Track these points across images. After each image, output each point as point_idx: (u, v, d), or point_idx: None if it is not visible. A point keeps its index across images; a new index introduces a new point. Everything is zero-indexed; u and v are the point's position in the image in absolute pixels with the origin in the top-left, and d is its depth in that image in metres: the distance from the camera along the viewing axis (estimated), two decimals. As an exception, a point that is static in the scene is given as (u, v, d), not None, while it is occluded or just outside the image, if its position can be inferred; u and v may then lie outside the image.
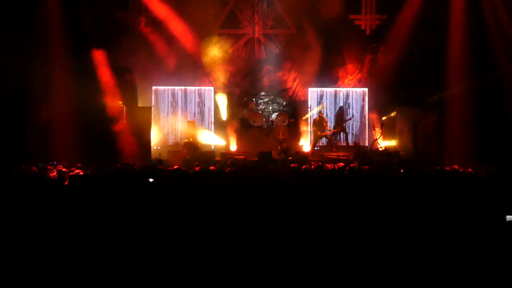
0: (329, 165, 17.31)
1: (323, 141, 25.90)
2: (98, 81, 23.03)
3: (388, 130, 25.46)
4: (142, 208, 9.77)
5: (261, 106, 26.43)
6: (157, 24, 26.23)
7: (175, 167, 15.44)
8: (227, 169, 15.50)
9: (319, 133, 24.76)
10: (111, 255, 7.64)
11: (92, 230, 8.50)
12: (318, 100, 26.97)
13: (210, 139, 25.70)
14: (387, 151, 23.88)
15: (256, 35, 27.34)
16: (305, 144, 25.56)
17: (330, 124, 26.36)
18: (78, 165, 16.38)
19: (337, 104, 26.93)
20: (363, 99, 27.04)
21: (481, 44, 24.10)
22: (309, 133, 25.93)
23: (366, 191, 11.31)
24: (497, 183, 12.77)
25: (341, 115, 26.62)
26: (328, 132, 24.94)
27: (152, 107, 25.89)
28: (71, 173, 13.99)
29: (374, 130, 25.26)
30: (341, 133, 26.41)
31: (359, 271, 7.32)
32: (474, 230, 8.29)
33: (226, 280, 7.21)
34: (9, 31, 21.44)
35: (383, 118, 25.83)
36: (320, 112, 25.57)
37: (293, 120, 26.19)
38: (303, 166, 15.61)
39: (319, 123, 25.02)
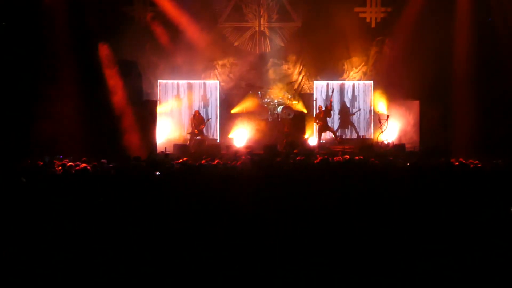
0: (336, 158, 17.29)
1: (328, 134, 25.86)
2: (104, 75, 23.02)
3: (394, 122, 25.45)
4: (148, 201, 9.76)
5: (266, 100, 26.38)
6: (162, 18, 26.20)
7: (180, 160, 15.45)
8: (233, 162, 15.50)
9: (319, 123, 24.89)
10: (117, 249, 7.63)
11: (98, 224, 8.49)
12: (325, 93, 26.91)
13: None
14: (393, 144, 23.87)
15: (261, 28, 27.32)
16: (311, 137, 25.51)
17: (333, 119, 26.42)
18: (83, 159, 16.38)
19: (342, 97, 26.87)
20: (369, 92, 26.98)
21: (486, 36, 24.05)
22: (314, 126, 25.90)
23: (373, 183, 11.30)
24: (504, 175, 12.75)
25: (344, 111, 26.58)
26: (318, 123, 25.02)
27: (158, 101, 25.88)
28: (77, 168, 14.02)
29: (380, 122, 25.22)
30: (349, 127, 26.39)
31: (365, 266, 7.29)
32: (480, 222, 8.26)
33: (231, 275, 7.19)
34: (14, 26, 21.48)
35: (388, 111, 25.79)
36: (319, 106, 25.57)
37: (298, 113, 26.14)
38: (318, 160, 15.62)
39: (318, 115, 25.15)
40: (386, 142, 24.37)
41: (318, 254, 7.45)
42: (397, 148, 22.90)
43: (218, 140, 26.17)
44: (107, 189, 10.97)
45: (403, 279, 7.09)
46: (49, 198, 9.92)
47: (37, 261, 7.25)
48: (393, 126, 25.47)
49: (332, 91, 26.11)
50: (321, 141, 25.15)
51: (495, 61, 23.88)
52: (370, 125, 26.89)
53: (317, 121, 25.21)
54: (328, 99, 25.91)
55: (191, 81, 26.86)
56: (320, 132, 25.10)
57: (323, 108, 25.43)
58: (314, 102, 26.48)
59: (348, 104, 26.65)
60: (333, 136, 25.47)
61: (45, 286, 6.99)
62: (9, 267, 7.14)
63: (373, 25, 27.22)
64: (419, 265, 7.23)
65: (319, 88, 27.02)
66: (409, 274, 7.11)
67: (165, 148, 23.66)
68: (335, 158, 17.31)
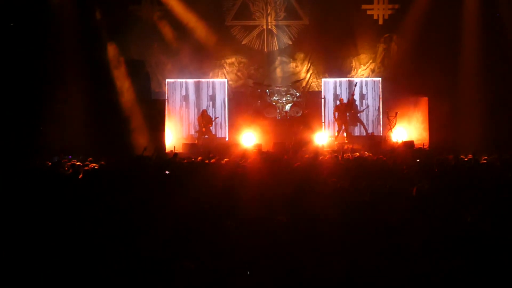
0: (345, 155, 17.28)
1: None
2: (112, 75, 23.06)
3: (402, 119, 25.39)
4: (156, 199, 9.77)
5: (274, 98, 26.36)
6: (170, 17, 26.24)
7: (192, 159, 15.48)
8: (242, 160, 15.50)
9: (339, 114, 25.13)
10: (126, 248, 7.61)
11: (107, 223, 8.49)
12: (332, 90, 26.88)
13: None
14: (402, 140, 23.84)
15: (269, 27, 27.31)
16: (319, 134, 25.41)
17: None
18: (89, 159, 16.45)
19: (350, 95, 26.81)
20: (377, 89, 26.91)
21: (494, 31, 24.03)
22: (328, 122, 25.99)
23: (383, 180, 11.29)
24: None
25: (353, 108, 26.54)
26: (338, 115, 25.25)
27: (166, 100, 25.90)
28: (86, 167, 14.06)
29: (388, 119, 25.18)
30: (357, 124, 26.33)
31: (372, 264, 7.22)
32: (493, 217, 8.23)
33: (239, 274, 7.13)
34: (23, 26, 21.52)
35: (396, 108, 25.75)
36: (340, 98, 25.69)
37: (307, 111, 26.12)
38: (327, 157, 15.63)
39: (338, 107, 25.35)
40: (395, 139, 24.33)
41: (325, 252, 7.41)
42: (406, 145, 22.85)
43: (226, 139, 26.17)
44: (113, 188, 10.99)
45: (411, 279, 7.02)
46: (58, 198, 9.94)
47: (43, 261, 7.24)
48: (401, 123, 25.40)
49: (355, 85, 25.96)
50: (330, 137, 25.19)
51: (503, 56, 23.86)
52: (378, 122, 26.83)
53: (336, 112, 25.33)
54: (351, 93, 25.83)
55: (200, 80, 26.85)
56: (339, 124, 25.18)
57: (345, 101, 25.46)
58: (323, 99, 26.48)
59: (356, 102, 26.56)
60: (345, 133, 25.43)
61: (48, 285, 6.97)
62: (14, 266, 7.13)
63: (380, 22, 27.16)
64: (428, 262, 7.17)
65: (327, 85, 26.97)
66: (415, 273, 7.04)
67: (174, 147, 23.67)
68: (344, 155, 17.31)
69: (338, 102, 25.68)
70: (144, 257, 7.24)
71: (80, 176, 13.38)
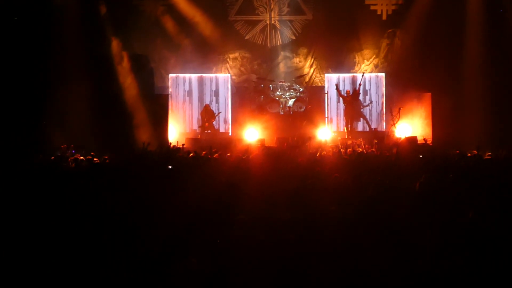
0: (349, 151, 17.28)
1: (341, 127, 25.91)
2: (116, 70, 23.07)
3: (406, 115, 25.36)
4: (158, 195, 9.75)
5: (277, 93, 26.35)
6: (173, 11, 26.22)
7: (192, 154, 15.45)
8: (245, 155, 15.49)
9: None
10: (128, 244, 7.59)
11: (110, 218, 8.48)
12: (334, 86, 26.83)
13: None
14: (405, 136, 23.82)
15: (272, 22, 27.28)
16: (322, 130, 25.39)
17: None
18: (92, 153, 16.46)
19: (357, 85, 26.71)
20: (380, 84, 26.89)
21: (498, 27, 24.01)
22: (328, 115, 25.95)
23: (386, 176, 11.26)
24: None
25: (356, 103, 26.51)
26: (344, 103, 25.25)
27: (169, 95, 25.91)
28: (88, 162, 14.05)
29: (391, 115, 25.16)
30: (360, 119, 26.28)
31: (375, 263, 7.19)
32: (496, 213, 8.21)
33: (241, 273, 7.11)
34: (26, 21, 21.53)
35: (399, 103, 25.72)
36: (347, 90, 25.67)
37: (310, 106, 26.11)
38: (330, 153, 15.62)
39: (345, 98, 25.34)
40: (398, 135, 24.32)
41: (328, 248, 7.39)
42: (409, 141, 22.82)
43: (230, 134, 26.18)
44: (115, 183, 10.97)
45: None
46: (60, 192, 9.92)
47: (43, 258, 7.22)
48: (405, 119, 25.38)
49: (362, 76, 25.86)
50: (333, 133, 25.17)
51: (507, 52, 23.83)
52: (382, 117, 26.82)
53: (342, 99, 25.42)
54: (358, 84, 25.74)
55: (203, 75, 26.85)
56: (346, 116, 25.16)
57: (351, 93, 25.40)
58: (326, 95, 26.48)
59: (360, 97, 26.52)
60: (347, 128, 25.40)
61: (49, 282, 6.96)
62: (14, 262, 7.12)
63: (384, 17, 27.12)
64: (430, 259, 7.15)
65: (330, 80, 26.93)
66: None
67: (177, 142, 23.68)
68: (348, 151, 17.31)
69: (344, 94, 25.63)
70: (146, 253, 7.23)
71: (82, 170, 13.40)
